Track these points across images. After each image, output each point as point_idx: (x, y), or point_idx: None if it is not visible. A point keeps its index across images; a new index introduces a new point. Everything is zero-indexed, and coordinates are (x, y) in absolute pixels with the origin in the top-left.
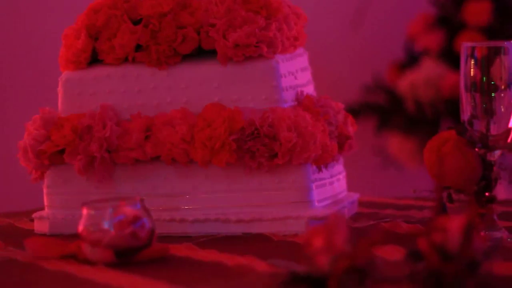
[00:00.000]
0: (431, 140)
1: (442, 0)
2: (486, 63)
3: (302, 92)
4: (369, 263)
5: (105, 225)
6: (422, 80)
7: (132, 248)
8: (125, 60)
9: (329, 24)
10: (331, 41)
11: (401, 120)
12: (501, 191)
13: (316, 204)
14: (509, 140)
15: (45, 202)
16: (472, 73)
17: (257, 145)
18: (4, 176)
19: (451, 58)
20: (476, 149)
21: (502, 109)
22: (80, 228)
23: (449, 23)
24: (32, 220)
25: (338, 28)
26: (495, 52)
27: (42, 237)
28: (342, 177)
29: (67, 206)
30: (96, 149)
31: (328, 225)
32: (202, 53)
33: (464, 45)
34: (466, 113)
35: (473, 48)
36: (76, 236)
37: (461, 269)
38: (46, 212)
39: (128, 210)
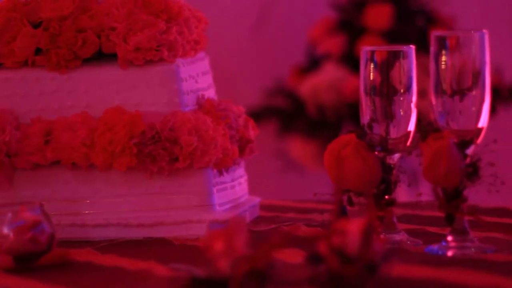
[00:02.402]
0: (331, 144)
1: (343, 4)
2: (385, 67)
3: (203, 96)
4: (270, 267)
5: (4, 231)
6: (323, 84)
7: (31, 254)
8: (25, 63)
9: (230, 28)
10: (232, 44)
11: (302, 124)
12: (400, 194)
13: (217, 207)
14: (408, 144)
15: None
16: (371, 77)
17: (158, 149)
18: None
19: (352, 62)
20: (376, 152)
21: (401, 113)
22: None
23: (350, 27)
24: None
25: (239, 31)
26: (394, 56)
27: None
28: (243, 180)
29: None
30: None
31: (229, 229)
32: (102, 57)
33: (364, 49)
34: (365, 117)
35: (372, 52)
36: None
37: (360, 271)
38: None
39: (28, 215)
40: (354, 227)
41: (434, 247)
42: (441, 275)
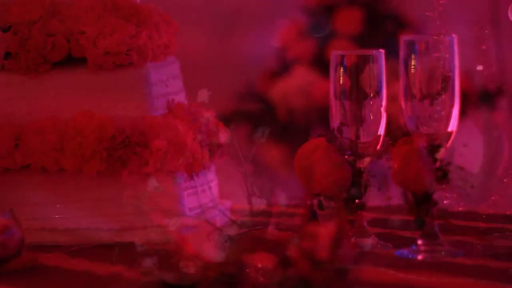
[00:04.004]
0: (301, 148)
1: (313, 8)
2: (355, 71)
3: (173, 100)
4: (239, 270)
5: None
6: (293, 88)
7: (1, 258)
8: None
9: (200, 32)
10: (203, 49)
11: (273, 128)
12: (370, 198)
13: (188, 212)
14: (378, 148)
15: None
16: (341, 81)
17: (128, 153)
18: None
19: (322, 66)
20: (346, 156)
21: (371, 117)
22: None
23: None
24: None
25: (210, 35)
26: (364, 60)
27: None
28: (213, 185)
29: None
30: None
31: (199, 233)
32: (72, 61)
33: (334, 54)
34: (335, 121)
35: (342, 56)
36: None
37: (330, 275)
38: None
39: None
40: (324, 231)
41: (404, 250)
42: (411, 278)
